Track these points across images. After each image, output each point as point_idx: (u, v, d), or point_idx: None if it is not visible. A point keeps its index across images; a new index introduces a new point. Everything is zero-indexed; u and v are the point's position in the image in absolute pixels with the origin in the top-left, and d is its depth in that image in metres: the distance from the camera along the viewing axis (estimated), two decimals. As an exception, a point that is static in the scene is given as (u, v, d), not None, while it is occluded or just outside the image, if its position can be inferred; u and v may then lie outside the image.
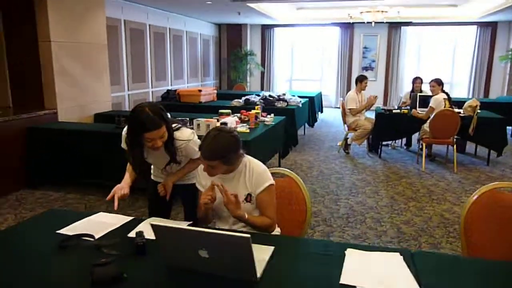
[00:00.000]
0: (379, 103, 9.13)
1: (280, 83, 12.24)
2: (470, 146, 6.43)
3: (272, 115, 5.06)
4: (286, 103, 6.57)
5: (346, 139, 6.34)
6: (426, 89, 6.27)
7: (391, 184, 4.86)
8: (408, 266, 1.50)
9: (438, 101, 5.46)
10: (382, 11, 7.89)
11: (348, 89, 10.36)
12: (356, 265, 1.52)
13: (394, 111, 5.99)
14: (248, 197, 1.98)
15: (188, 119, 4.11)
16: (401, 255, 1.58)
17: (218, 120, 4.24)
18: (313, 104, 8.25)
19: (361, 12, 8.16)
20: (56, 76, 4.98)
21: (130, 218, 1.99)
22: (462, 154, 6.25)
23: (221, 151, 1.84)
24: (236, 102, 6.63)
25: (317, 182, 4.91)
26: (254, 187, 1.95)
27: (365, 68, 11.27)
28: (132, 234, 1.76)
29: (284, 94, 6.97)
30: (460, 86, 10.95)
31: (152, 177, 2.50)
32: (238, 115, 4.73)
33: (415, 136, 6.44)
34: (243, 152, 1.98)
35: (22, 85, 5.11)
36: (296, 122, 6.36)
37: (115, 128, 4.29)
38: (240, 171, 1.98)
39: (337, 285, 1.38)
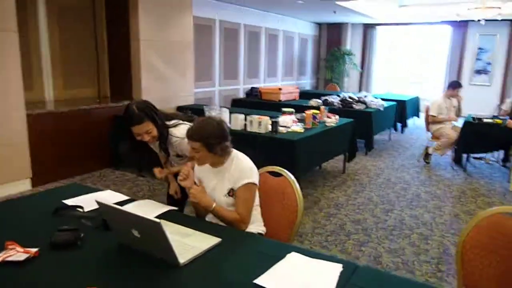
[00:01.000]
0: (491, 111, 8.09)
1: (378, 84, 11.65)
2: None
3: (337, 116, 4.92)
4: (364, 106, 6.29)
5: (427, 148, 5.80)
6: None
7: (463, 201, 4.32)
8: (345, 279, 1.40)
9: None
10: (493, 7, 6.93)
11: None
12: (286, 269, 1.47)
13: (485, 120, 5.27)
14: (231, 192, 2.03)
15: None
16: (343, 267, 1.49)
17: (271, 118, 4.28)
18: (404, 109, 7.73)
19: (468, 9, 7.30)
20: (143, 71, 5.60)
21: (127, 197, 2.22)
22: None
23: (203, 133, 1.95)
24: (314, 102, 6.58)
25: (377, 189, 4.63)
26: (235, 182, 2.00)
27: (478, 72, 10.04)
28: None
29: (365, 96, 6.68)
30: None
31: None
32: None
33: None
34: (230, 146, 2.05)
35: (117, 78, 5.88)
36: (373, 126, 6.07)
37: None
38: (227, 166, 2.05)
39: (250, 284, 1.37)
